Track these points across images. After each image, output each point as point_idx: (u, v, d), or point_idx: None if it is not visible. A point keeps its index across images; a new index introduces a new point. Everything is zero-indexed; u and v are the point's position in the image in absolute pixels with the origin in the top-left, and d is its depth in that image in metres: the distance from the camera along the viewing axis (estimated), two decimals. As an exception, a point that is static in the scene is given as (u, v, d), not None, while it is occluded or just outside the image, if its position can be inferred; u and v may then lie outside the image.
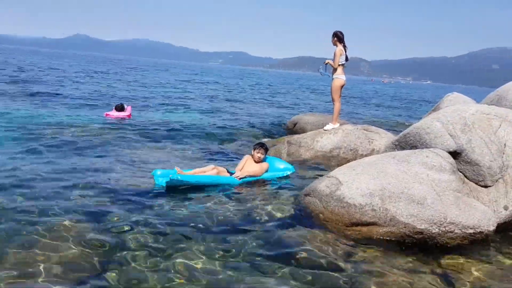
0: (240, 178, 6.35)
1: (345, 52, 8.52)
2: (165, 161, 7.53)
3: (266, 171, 6.76)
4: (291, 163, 8.12)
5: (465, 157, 5.37)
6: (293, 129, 11.83)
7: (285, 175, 6.89)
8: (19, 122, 9.99)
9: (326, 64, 8.71)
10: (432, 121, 5.61)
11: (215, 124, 12.84)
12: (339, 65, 8.49)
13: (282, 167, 7.05)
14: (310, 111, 18.63)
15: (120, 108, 12.01)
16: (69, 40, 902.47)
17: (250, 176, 6.51)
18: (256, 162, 6.76)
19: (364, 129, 8.70)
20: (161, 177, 5.90)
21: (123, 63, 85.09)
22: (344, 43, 8.52)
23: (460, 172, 5.43)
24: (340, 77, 8.58)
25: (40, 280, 3.28)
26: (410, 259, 4.35)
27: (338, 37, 8.50)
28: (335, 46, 8.55)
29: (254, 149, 6.88)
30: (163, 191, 5.73)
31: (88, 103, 15.25)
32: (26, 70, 31.01)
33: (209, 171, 6.22)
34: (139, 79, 33.85)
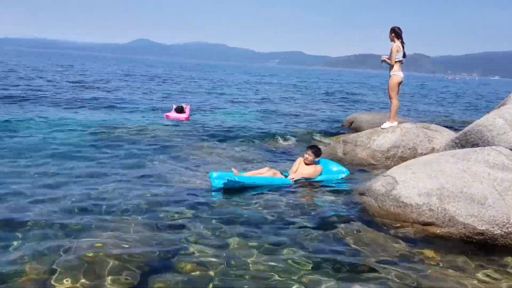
0: (294, 180, 6.40)
1: (403, 48, 8.31)
2: (221, 162, 7.73)
3: (320, 174, 6.74)
4: (347, 162, 8.11)
5: (531, 155, 5.11)
6: (349, 128, 11.72)
7: (339, 178, 6.84)
8: (91, 125, 10.69)
9: (383, 61, 8.55)
10: (494, 117, 5.39)
11: (271, 124, 12.99)
12: (396, 61, 8.30)
13: (335, 169, 7.00)
14: (367, 110, 18.30)
15: (180, 110, 12.46)
16: (132, 45, 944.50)
17: (304, 178, 6.54)
18: (307, 164, 6.77)
19: (424, 127, 8.45)
20: (217, 179, 6.02)
21: (198, 66, 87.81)
22: (402, 39, 8.31)
23: (525, 171, 5.17)
24: (397, 74, 8.37)
25: (107, 270, 3.56)
26: (470, 261, 4.22)
27: (396, 33, 8.29)
28: (392, 42, 8.38)
29: (306, 152, 6.91)
30: (220, 192, 5.91)
31: (153, 106, 15.97)
32: (105, 76, 32.95)
33: (265, 173, 6.32)
34: (201, 81, 34.84)
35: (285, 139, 10.59)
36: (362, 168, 7.72)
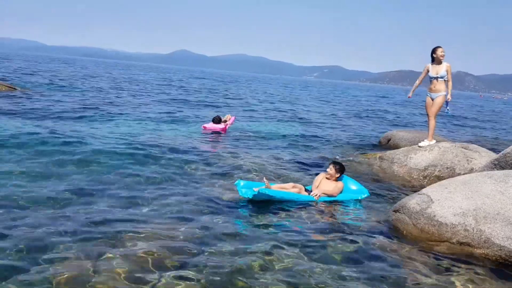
0: (318, 197, 6.33)
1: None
2: (250, 171, 7.85)
3: (341, 191, 6.54)
4: (383, 179, 8.10)
5: None
6: (387, 145, 11.64)
7: (358, 198, 6.60)
8: (127, 134, 11.15)
9: (449, 101, 8.25)
10: (536, 140, 5.30)
11: (306, 137, 13.09)
12: (440, 80, 8.21)
13: (355, 188, 6.76)
14: (405, 127, 18.03)
15: (218, 120, 12.73)
16: (175, 56, 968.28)
17: (326, 195, 6.44)
18: (329, 179, 6.63)
19: (463, 147, 8.34)
20: (243, 188, 6.06)
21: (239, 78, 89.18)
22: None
23: None
24: (444, 94, 8.24)
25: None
26: (506, 283, 4.18)
27: (441, 50, 8.13)
28: (438, 64, 8.17)
29: (329, 167, 6.73)
30: (246, 202, 5.97)
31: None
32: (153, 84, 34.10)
33: (289, 188, 6.30)
34: (247, 92, 35.35)
35: (319, 152, 10.63)
36: (397, 186, 7.68)
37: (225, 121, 13.31)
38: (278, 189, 6.23)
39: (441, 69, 8.11)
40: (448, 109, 8.35)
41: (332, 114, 22.89)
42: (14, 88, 18.27)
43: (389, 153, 8.89)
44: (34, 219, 4.69)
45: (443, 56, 8.10)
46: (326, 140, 12.79)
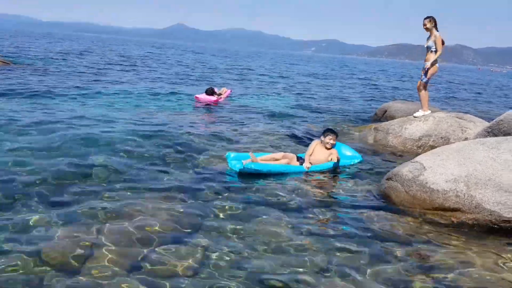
0: (309, 167, 6.29)
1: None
2: (242, 141, 7.86)
3: (337, 158, 6.43)
4: (378, 150, 8.14)
5: None
6: (383, 117, 11.63)
7: (352, 163, 6.62)
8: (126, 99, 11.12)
9: (426, 69, 8.29)
10: (529, 107, 5.31)
11: (301, 110, 13.09)
12: (432, 51, 8.16)
13: (349, 154, 6.77)
14: (403, 99, 18.00)
15: (211, 92, 12.71)
16: (169, 30, 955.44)
17: (320, 164, 6.42)
18: (327, 149, 6.56)
19: (458, 117, 8.36)
20: (234, 160, 6.10)
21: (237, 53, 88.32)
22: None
23: (560, 162, 5.09)
24: (436, 65, 8.26)
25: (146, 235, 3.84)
26: (495, 247, 4.25)
27: (435, 22, 8.11)
28: (428, 32, 8.19)
29: (325, 135, 6.61)
30: (236, 175, 5.96)
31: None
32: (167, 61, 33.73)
33: (280, 158, 6.26)
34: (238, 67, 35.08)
35: (314, 124, 10.64)
36: (392, 156, 7.72)
37: (220, 94, 13.27)
38: (269, 159, 6.22)
39: (429, 40, 8.16)
40: (423, 77, 8.36)
41: (329, 88, 22.79)
42: (7, 63, 18.13)
43: (384, 124, 8.91)
44: (27, 196, 4.67)
45: (424, 26, 8.15)
46: (322, 113, 12.78)
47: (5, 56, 21.05)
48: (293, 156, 6.42)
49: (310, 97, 17.18)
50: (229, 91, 14.25)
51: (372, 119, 12.09)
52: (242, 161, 5.94)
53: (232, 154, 6.22)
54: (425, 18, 8.17)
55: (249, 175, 5.91)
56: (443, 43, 8.15)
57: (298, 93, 18.37)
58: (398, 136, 8.34)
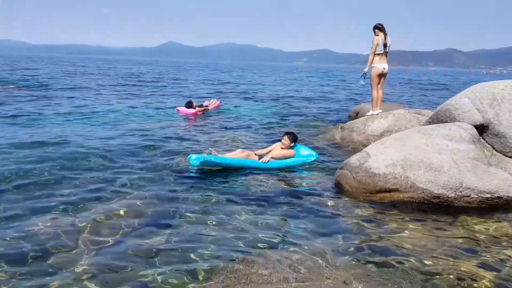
0: (267, 161, 6.80)
1: (386, 40, 8.99)
2: (212, 145, 8.34)
3: (292, 156, 7.10)
4: (344, 146, 8.72)
5: (493, 130, 5.63)
6: (356, 118, 12.22)
7: (309, 161, 7.17)
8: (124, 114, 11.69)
9: (365, 73, 9.44)
10: (460, 97, 5.93)
11: (281, 115, 13.70)
12: (376, 54, 9.00)
13: (306, 153, 7.34)
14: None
15: (189, 105, 13.33)
16: (161, 48, 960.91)
17: (275, 159, 6.95)
18: (282, 148, 7.18)
19: (416, 113, 8.96)
20: (195, 160, 6.44)
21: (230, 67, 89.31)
22: (385, 33, 9.01)
23: (489, 144, 5.70)
24: (376, 66, 9.11)
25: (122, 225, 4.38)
26: (428, 221, 4.81)
27: (378, 28, 9.10)
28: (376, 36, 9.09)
29: (283, 137, 7.29)
30: (199, 171, 6.43)
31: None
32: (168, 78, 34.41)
33: (239, 154, 6.78)
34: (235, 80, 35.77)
35: (293, 128, 11.21)
36: (354, 151, 8.26)
37: (202, 106, 13.88)
38: (228, 156, 6.68)
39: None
40: (361, 81, 9.55)
41: (313, 94, 23.46)
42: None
43: (349, 123, 9.52)
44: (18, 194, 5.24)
45: (375, 34, 9.15)
46: (302, 118, 13.36)
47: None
48: (250, 152, 6.94)
49: (292, 104, 17.77)
50: (218, 102, 14.89)
51: (348, 120, 12.71)
52: (203, 154, 6.39)
53: (194, 156, 6.55)
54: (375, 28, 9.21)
55: (210, 172, 6.39)
56: (385, 46, 9.11)
57: (281, 101, 18.97)
58: (362, 133, 8.93)
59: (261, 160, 6.84)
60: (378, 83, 9.24)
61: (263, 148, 7.61)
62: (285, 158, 7.03)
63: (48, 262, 3.57)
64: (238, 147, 8.19)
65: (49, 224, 4.31)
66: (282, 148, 7.18)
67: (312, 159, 7.15)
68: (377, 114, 9.31)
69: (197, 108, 13.38)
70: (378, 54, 8.99)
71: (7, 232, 4.09)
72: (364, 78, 9.50)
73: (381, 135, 8.72)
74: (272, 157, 6.93)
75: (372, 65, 9.17)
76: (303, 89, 28.78)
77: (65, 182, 5.71)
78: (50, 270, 3.45)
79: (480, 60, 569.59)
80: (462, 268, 3.66)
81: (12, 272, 3.37)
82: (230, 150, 7.66)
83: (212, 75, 45.03)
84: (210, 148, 6.73)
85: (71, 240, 3.99)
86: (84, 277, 3.34)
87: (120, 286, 3.24)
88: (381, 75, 9.23)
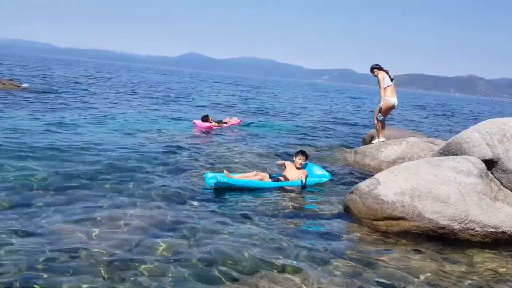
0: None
1: (388, 74, 9.76)
2: (227, 165, 8.51)
3: (307, 175, 7.27)
4: (356, 170, 8.89)
5: (501, 165, 5.77)
6: (370, 142, 12.37)
7: (321, 181, 7.33)
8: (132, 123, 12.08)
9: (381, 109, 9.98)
10: (471, 131, 6.08)
11: (297, 134, 13.91)
12: (386, 87, 9.67)
13: (319, 173, 7.51)
14: (394, 126, 18.73)
15: (205, 119, 13.69)
16: (184, 58, 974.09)
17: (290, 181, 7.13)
18: (297, 168, 7.36)
19: (429, 142, 9.11)
20: (211, 179, 6.55)
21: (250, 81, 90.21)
22: (384, 70, 9.79)
23: (497, 179, 5.83)
24: (389, 100, 9.73)
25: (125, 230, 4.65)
26: (432, 252, 4.95)
27: (376, 68, 9.92)
28: (377, 75, 9.88)
29: (296, 156, 7.46)
30: (213, 190, 6.58)
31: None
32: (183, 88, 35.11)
33: (252, 177, 6.93)
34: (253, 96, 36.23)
35: (306, 148, 11.40)
36: (366, 176, 8.44)
37: (221, 122, 14.22)
38: (241, 178, 6.86)
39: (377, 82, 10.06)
40: (379, 117, 10.12)
41: (327, 114, 23.65)
42: (18, 86, 19.56)
43: (363, 147, 9.71)
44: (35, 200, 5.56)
45: (375, 74, 10.06)
46: (317, 138, 13.56)
47: (17, 79, 22.54)
48: (265, 175, 7.11)
49: (310, 124, 17.97)
50: (238, 120, 15.20)
51: (362, 143, 12.85)
52: (217, 176, 6.58)
53: (210, 175, 6.73)
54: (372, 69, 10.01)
55: (226, 192, 6.57)
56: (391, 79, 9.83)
57: (300, 121, 19.21)
58: (375, 158, 9.10)
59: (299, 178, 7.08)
60: (387, 115, 9.78)
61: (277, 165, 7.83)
62: (301, 177, 7.21)
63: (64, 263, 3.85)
64: (251, 166, 8.43)
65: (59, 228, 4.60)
66: (297, 168, 7.35)
67: (325, 179, 7.33)
68: (383, 141, 9.74)
69: (213, 123, 13.71)
70: (387, 87, 9.54)
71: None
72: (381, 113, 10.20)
73: (394, 161, 8.88)
74: (285, 179, 7.14)
75: (385, 97, 9.71)
76: (319, 108, 29.00)
77: (78, 188, 6.02)
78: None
79: (502, 88, 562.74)
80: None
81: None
82: (242, 168, 7.91)
83: (232, 89, 45.65)
84: (224, 170, 6.90)
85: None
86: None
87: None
88: (392, 108, 9.75)
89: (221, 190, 6.61)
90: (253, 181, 6.85)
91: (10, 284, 3.39)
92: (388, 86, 9.69)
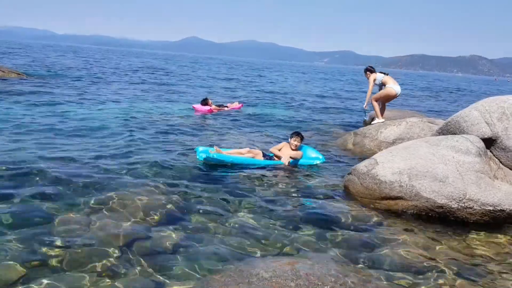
0: (287, 161, 7.00)
1: (382, 73, 10.32)
2: (226, 142, 8.60)
3: (301, 156, 7.29)
4: (356, 152, 8.86)
5: (500, 143, 5.72)
6: (370, 124, 12.31)
7: (314, 163, 7.32)
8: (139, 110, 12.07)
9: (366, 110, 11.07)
10: (470, 110, 6.02)
11: (297, 117, 13.85)
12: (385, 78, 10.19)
13: (313, 156, 7.49)
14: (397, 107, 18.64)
15: (204, 102, 13.63)
16: (185, 42, 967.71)
17: (290, 159, 7.11)
18: (293, 149, 7.34)
19: (430, 122, 9.04)
20: (202, 153, 6.56)
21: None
22: (376, 72, 10.32)
23: (496, 158, 5.79)
24: (392, 87, 10.06)
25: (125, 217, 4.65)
26: (429, 229, 4.95)
27: (369, 70, 10.38)
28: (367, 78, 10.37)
29: (291, 137, 7.43)
30: (205, 165, 6.60)
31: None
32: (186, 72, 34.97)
33: (245, 154, 6.93)
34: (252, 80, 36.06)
35: (307, 130, 11.37)
36: (365, 156, 8.40)
37: (222, 105, 14.16)
38: (234, 153, 6.85)
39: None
40: (364, 117, 11.00)
41: (326, 97, 23.52)
42: (21, 75, 19.43)
43: (362, 129, 9.65)
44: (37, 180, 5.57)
45: (367, 76, 10.56)
46: (317, 121, 13.50)
47: (19, 68, 22.39)
48: (258, 152, 7.09)
49: (311, 106, 17.91)
50: (240, 105, 15.14)
51: (364, 125, 12.81)
52: (209, 150, 6.55)
53: (201, 148, 6.74)
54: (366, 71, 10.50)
55: (218, 166, 6.59)
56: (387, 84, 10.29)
57: (300, 102, 19.13)
58: (374, 139, 9.06)
59: (282, 161, 7.02)
60: (387, 101, 10.21)
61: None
62: (294, 159, 7.19)
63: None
64: (247, 145, 8.41)
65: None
66: (292, 150, 7.33)
67: (318, 162, 7.31)
68: (383, 121, 9.73)
69: (213, 106, 13.65)
70: (387, 76, 10.16)
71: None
72: (365, 114, 11.39)
73: (393, 142, 8.84)
74: (279, 158, 7.12)
75: (388, 86, 10.06)
76: (320, 91, 28.85)
77: (77, 176, 6.03)
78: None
79: (506, 68, 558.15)
80: (456, 283, 3.79)
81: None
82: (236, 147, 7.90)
83: (231, 71, 45.42)
84: (214, 146, 6.87)
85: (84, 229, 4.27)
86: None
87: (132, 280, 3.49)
88: (394, 97, 10.07)
89: (213, 166, 6.58)
90: (244, 158, 6.82)
91: (8, 278, 3.40)
92: (384, 78, 10.24)
